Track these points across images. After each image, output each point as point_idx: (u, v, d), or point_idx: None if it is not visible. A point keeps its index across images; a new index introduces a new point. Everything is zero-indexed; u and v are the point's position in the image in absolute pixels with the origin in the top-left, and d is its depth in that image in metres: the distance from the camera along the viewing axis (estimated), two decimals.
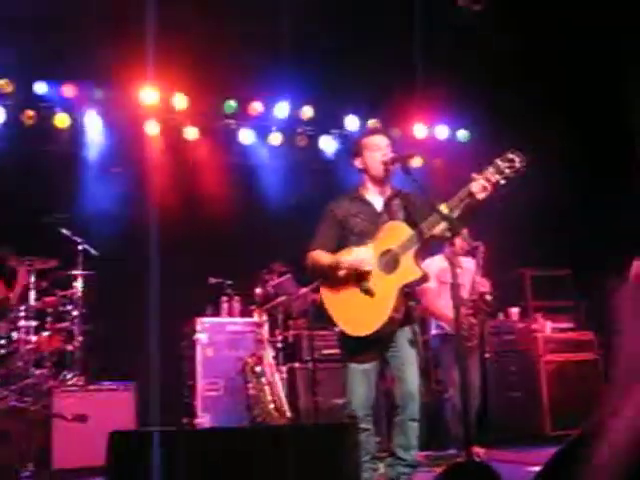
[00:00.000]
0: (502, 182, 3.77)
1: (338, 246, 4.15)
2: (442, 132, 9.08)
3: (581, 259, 7.86)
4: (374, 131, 4.37)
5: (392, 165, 4.12)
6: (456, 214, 3.79)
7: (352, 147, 4.39)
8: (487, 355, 6.99)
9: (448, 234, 3.58)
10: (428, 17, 7.08)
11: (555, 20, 7.39)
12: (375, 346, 4.05)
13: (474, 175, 3.81)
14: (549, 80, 7.89)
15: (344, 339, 4.13)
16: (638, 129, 8.01)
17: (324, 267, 4.11)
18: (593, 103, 7.86)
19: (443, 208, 3.77)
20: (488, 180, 3.78)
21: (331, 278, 4.09)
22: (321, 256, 4.14)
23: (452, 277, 3.47)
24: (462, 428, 5.61)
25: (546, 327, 7.57)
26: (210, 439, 2.88)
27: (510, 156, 3.80)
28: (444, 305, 6.14)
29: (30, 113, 7.59)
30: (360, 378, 4.07)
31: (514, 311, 7.72)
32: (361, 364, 4.06)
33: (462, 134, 9.11)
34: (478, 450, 6.04)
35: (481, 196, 3.78)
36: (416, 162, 8.55)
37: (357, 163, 4.28)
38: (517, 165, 3.77)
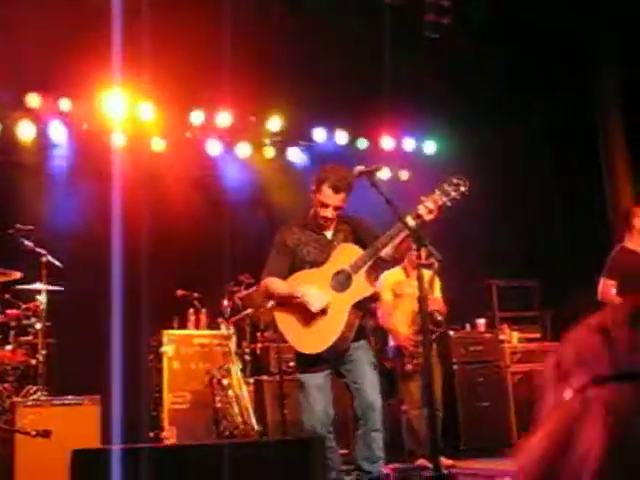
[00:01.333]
0: (448, 204, 4.02)
1: (290, 273, 4.26)
2: (409, 144, 9.13)
3: (547, 269, 7.95)
4: (334, 187, 4.21)
5: (358, 178, 4.15)
6: (394, 242, 4.03)
7: (315, 177, 4.36)
8: (455, 366, 7.02)
9: (414, 246, 3.62)
10: (397, 28, 7.12)
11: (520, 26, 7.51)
12: (329, 362, 4.17)
13: (422, 197, 4.00)
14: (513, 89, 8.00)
15: (299, 357, 4.24)
16: (605, 137, 8.15)
17: (280, 294, 4.23)
18: (561, 107, 7.98)
19: (409, 220, 3.84)
20: (435, 202, 3.98)
21: (284, 303, 4.21)
22: (276, 284, 4.22)
23: (419, 289, 3.50)
24: (426, 440, 5.65)
25: (513, 337, 7.62)
26: (175, 455, 2.85)
27: (455, 181, 4.04)
28: (399, 318, 6.17)
29: None
30: (316, 394, 4.12)
31: (481, 322, 7.76)
32: (314, 377, 4.13)
33: (429, 147, 9.16)
34: (446, 462, 6.04)
35: (428, 217, 3.95)
36: (383, 174, 8.57)
37: (311, 193, 4.34)
38: (462, 189, 4.03)
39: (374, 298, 4.29)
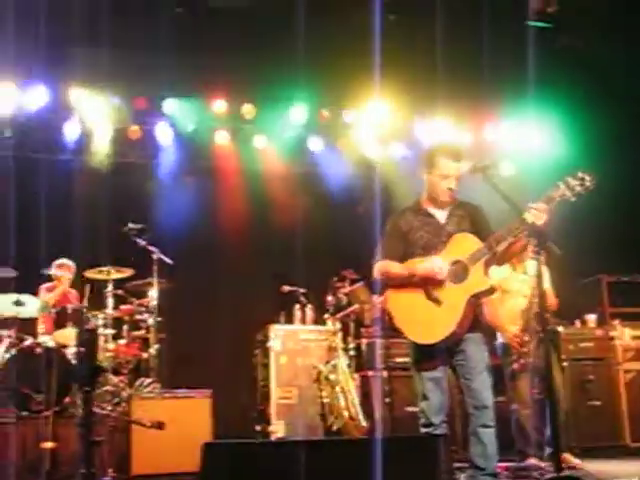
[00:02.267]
0: (572, 199, 3.90)
1: (403, 260, 4.15)
2: (512, 137, 8.90)
3: None
4: (451, 155, 4.16)
5: (471, 174, 4.07)
6: (502, 246, 3.96)
7: (424, 156, 4.31)
8: (565, 363, 6.83)
9: (534, 242, 3.53)
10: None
11: None
12: (442, 354, 4.06)
13: (530, 204, 3.87)
14: None
15: (412, 347, 4.15)
16: None
17: (396, 275, 4.11)
18: None
19: (527, 216, 3.75)
20: (562, 196, 3.89)
21: (400, 286, 4.10)
22: (392, 265, 4.13)
23: (538, 286, 3.42)
24: (543, 437, 5.50)
25: (625, 334, 7.36)
26: (298, 450, 2.88)
27: (581, 175, 3.91)
28: (504, 315, 6.03)
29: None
30: (431, 385, 4.07)
31: (591, 318, 7.52)
32: (430, 372, 4.07)
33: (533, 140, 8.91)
34: (571, 459, 5.88)
35: (539, 223, 3.82)
36: (505, 170, 8.37)
37: (423, 175, 4.24)
38: (587, 184, 3.90)
39: (490, 292, 4.13)
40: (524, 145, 8.87)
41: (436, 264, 4.00)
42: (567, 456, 5.89)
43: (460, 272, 4.02)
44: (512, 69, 7.43)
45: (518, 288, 6.07)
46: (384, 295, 4.21)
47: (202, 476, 2.65)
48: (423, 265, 4.02)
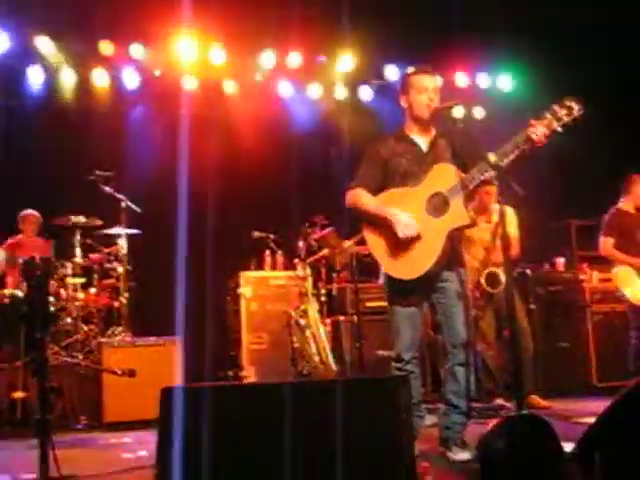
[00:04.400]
0: (559, 129, 3.69)
1: (381, 185, 4.05)
2: (483, 81, 8.88)
3: None
4: (423, 71, 4.11)
5: (435, 115, 4.00)
6: (507, 161, 3.66)
7: (399, 83, 4.24)
8: (532, 306, 6.90)
9: (495, 182, 3.47)
10: None
11: None
12: (421, 289, 4.00)
13: (532, 121, 3.68)
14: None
15: (389, 282, 4.05)
16: None
17: (367, 211, 4.01)
18: None
19: (491, 157, 3.68)
20: (547, 126, 3.67)
21: (375, 221, 3.99)
22: (366, 199, 4.02)
23: (502, 226, 3.39)
24: (511, 377, 5.56)
25: (593, 277, 7.44)
26: (261, 393, 2.88)
27: (568, 103, 3.70)
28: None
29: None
30: (405, 321, 4.02)
31: (560, 261, 7.59)
32: (406, 307, 4.01)
33: (504, 82, 8.88)
34: (538, 400, 5.97)
35: (540, 142, 3.67)
36: (457, 112, 8.35)
37: (402, 101, 4.14)
38: (575, 113, 3.69)
39: (471, 225, 3.98)
40: (495, 91, 8.86)
41: (402, 224, 3.87)
42: (534, 397, 5.99)
43: (440, 205, 3.90)
44: (481, 17, 7.36)
45: (480, 236, 6.08)
46: (360, 239, 4.12)
47: (161, 421, 2.65)
48: (392, 214, 3.90)
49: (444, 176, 3.93)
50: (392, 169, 4.05)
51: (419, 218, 3.91)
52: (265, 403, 2.80)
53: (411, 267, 3.91)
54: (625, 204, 6.62)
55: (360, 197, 4.03)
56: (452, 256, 3.99)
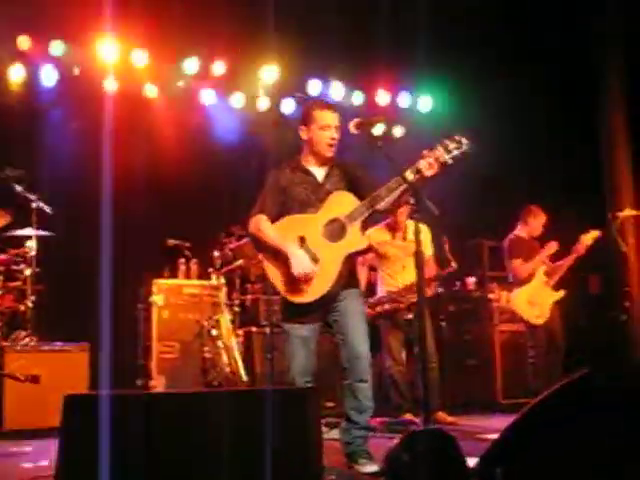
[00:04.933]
0: (449, 162, 3.93)
1: (281, 212, 4.14)
2: (404, 100, 9.04)
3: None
4: (327, 106, 4.22)
5: (357, 130, 4.06)
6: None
7: (302, 114, 4.31)
8: (443, 323, 7.05)
9: (412, 201, 3.55)
10: None
11: None
12: (316, 312, 4.09)
13: (424, 152, 3.92)
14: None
15: (285, 305, 4.15)
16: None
17: (267, 242, 4.08)
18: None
19: (408, 174, 3.79)
20: (437, 159, 3.90)
21: (273, 251, 4.07)
22: (266, 229, 4.08)
23: (416, 243, 3.47)
24: (421, 393, 5.64)
25: (502, 297, 7.65)
26: (165, 403, 2.85)
27: (458, 138, 3.96)
28: (381, 281, 6.19)
29: None
30: (298, 345, 4.09)
31: (471, 280, 7.79)
32: (299, 330, 4.09)
33: (424, 103, 9.07)
34: (445, 417, 6.08)
35: (428, 173, 3.88)
36: (377, 130, 8.48)
37: (302, 132, 4.22)
38: (463, 147, 3.94)
39: (368, 251, 4.20)
40: (415, 110, 9.04)
41: (297, 260, 3.96)
42: (441, 414, 6.10)
43: (337, 230, 4.03)
44: (407, 35, 7.50)
45: (395, 253, 6.19)
46: (261, 253, 4.18)
47: (63, 430, 2.58)
48: (289, 253, 3.97)
49: (342, 203, 4.08)
50: (291, 197, 4.16)
51: (316, 243, 4.03)
52: (171, 412, 2.77)
53: (308, 291, 4.00)
54: (520, 231, 6.99)
55: (261, 225, 4.10)
56: (348, 279, 4.13)
